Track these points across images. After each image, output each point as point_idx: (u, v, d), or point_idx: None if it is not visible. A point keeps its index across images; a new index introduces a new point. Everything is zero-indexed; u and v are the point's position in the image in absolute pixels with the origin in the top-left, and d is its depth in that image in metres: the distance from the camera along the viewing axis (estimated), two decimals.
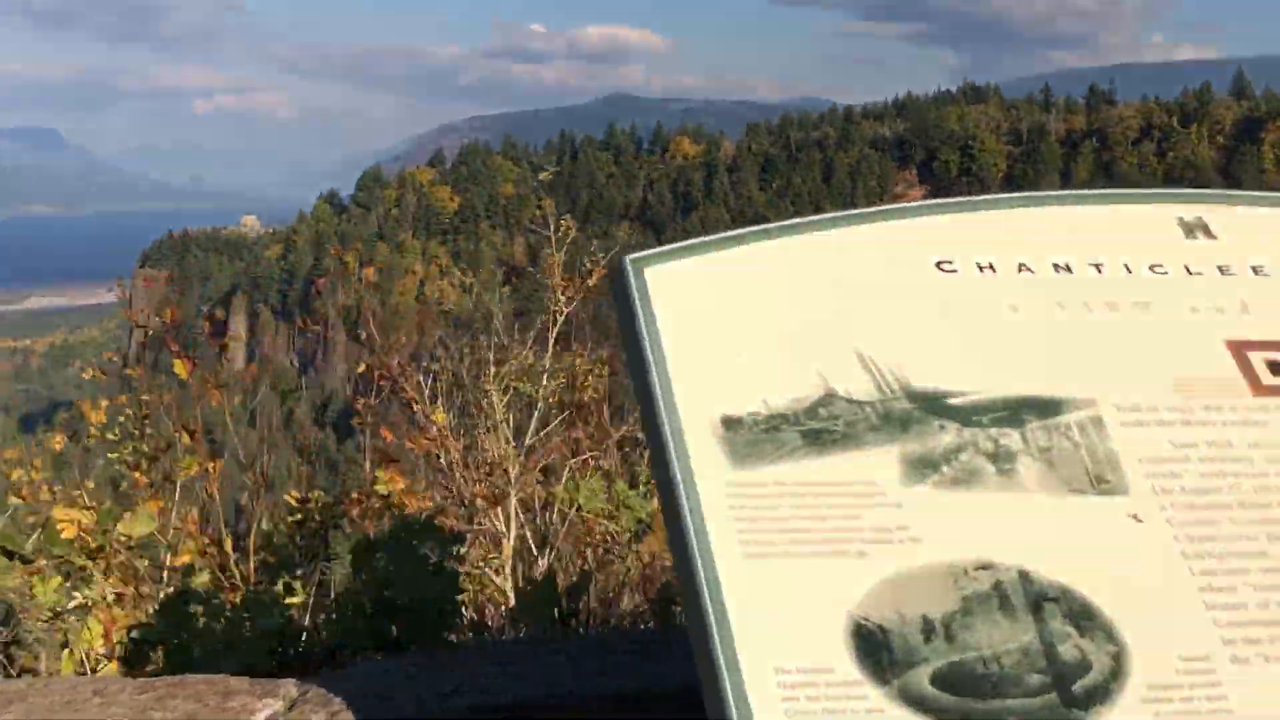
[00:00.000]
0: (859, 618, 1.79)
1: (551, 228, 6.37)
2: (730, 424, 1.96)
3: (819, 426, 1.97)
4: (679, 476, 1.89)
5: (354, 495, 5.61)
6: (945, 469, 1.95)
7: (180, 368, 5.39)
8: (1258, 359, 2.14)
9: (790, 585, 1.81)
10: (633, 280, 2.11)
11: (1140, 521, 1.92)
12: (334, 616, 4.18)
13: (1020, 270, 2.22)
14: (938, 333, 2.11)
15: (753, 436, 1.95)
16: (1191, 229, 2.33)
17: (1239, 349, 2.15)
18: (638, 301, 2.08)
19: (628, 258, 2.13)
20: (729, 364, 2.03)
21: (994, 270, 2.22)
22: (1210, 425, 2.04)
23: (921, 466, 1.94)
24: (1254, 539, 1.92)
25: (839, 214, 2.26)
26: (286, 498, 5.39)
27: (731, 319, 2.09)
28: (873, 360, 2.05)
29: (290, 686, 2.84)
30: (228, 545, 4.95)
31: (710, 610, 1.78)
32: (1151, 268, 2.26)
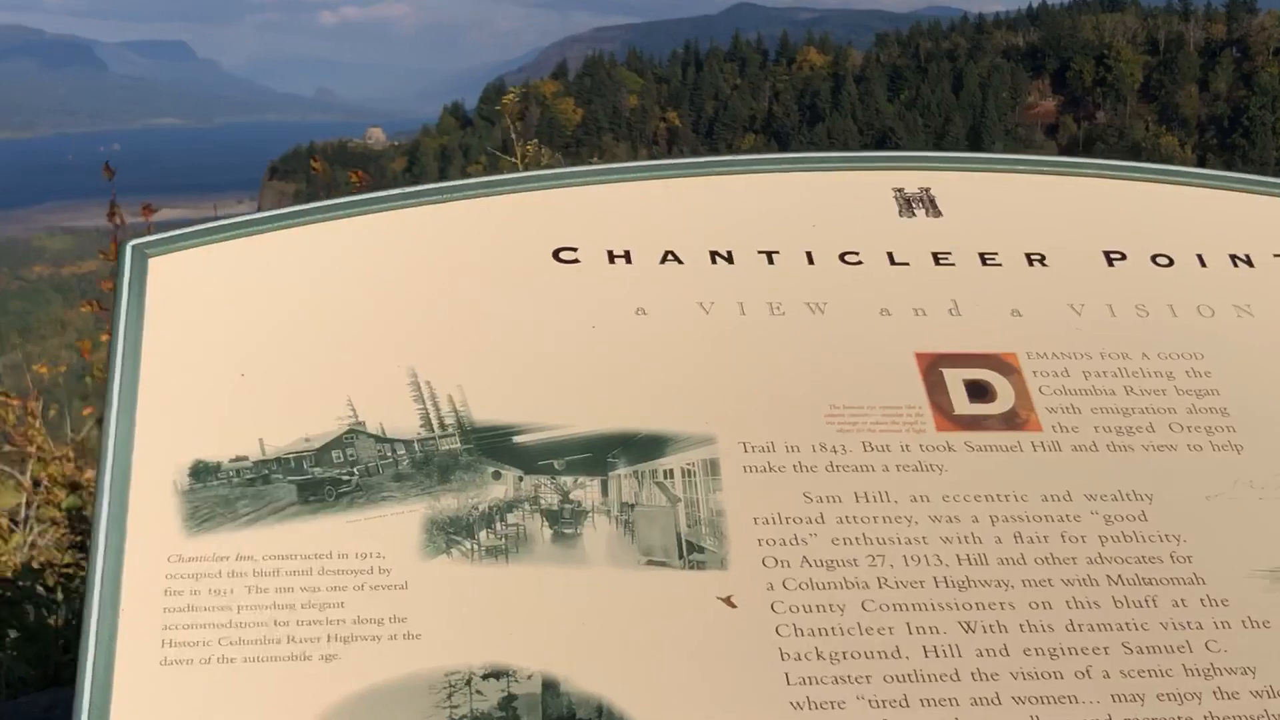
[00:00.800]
0: None
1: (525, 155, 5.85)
2: (201, 473, 1.49)
3: (326, 475, 1.50)
4: (101, 545, 1.44)
5: None
6: (483, 534, 1.47)
7: None
8: (955, 379, 1.64)
9: (215, 705, 1.35)
10: (129, 273, 1.64)
11: (734, 607, 1.44)
12: None
13: (665, 260, 1.73)
14: (527, 346, 1.63)
15: (228, 491, 1.49)
16: (910, 204, 1.81)
17: (933, 366, 1.65)
18: (125, 302, 1.61)
19: (130, 243, 1.66)
20: (226, 390, 1.56)
21: (629, 260, 1.72)
22: (866, 472, 1.55)
23: (450, 531, 1.47)
24: (885, 633, 1.44)
25: (436, 185, 1.77)
26: None
27: (251, 327, 1.62)
28: (429, 384, 1.58)
29: None
30: None
31: None
32: (842, 256, 1.75)
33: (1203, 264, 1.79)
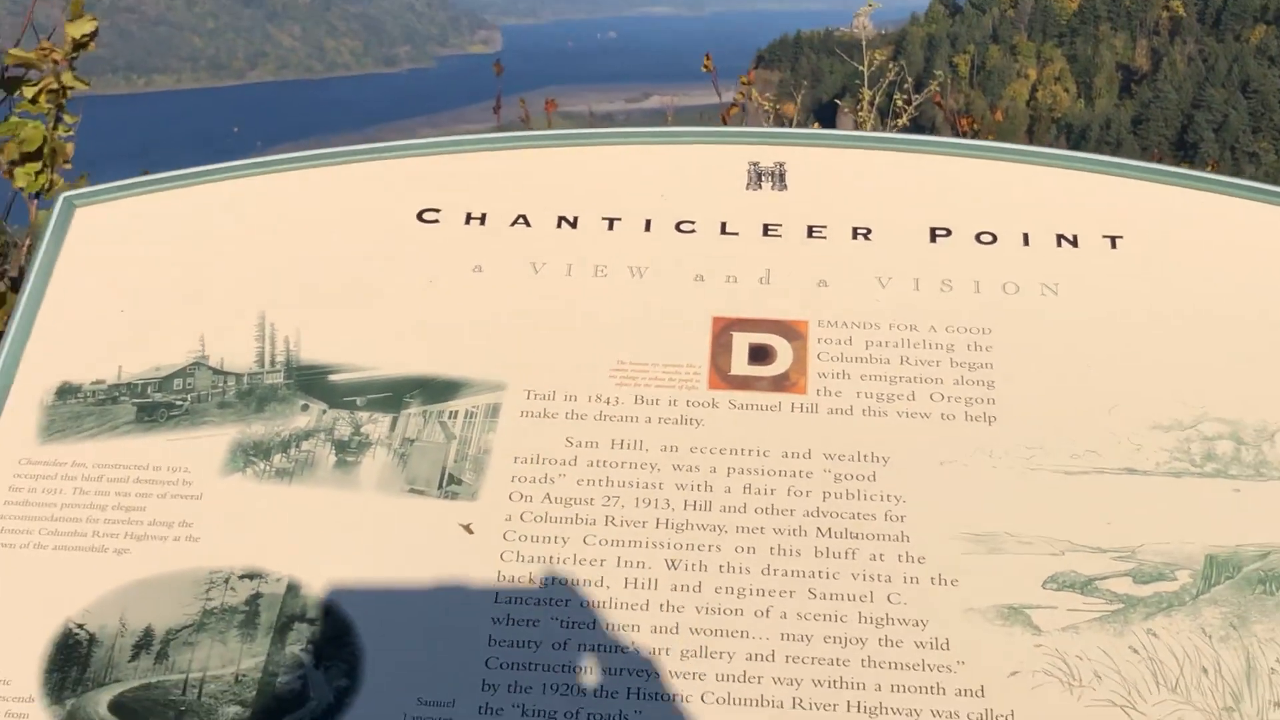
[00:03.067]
0: (74, 624, 1.63)
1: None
2: (64, 392, 1.80)
3: (164, 400, 1.79)
4: None
5: None
6: (277, 457, 1.74)
7: None
8: (741, 342, 1.81)
9: (23, 581, 1.67)
10: (54, 221, 1.96)
11: (471, 534, 1.67)
12: None
13: (515, 224, 1.94)
14: (367, 297, 1.87)
15: (81, 408, 1.79)
16: (760, 177, 1.97)
17: (726, 329, 1.82)
18: (44, 246, 1.93)
19: (65, 195, 1.98)
20: (108, 325, 1.87)
21: (483, 223, 1.95)
22: (628, 422, 1.75)
23: (250, 453, 1.74)
24: (595, 564, 1.64)
25: (343, 150, 2.03)
26: None
27: (144, 270, 1.92)
28: (273, 325, 1.85)
29: None
30: None
31: None
32: (678, 225, 1.93)
33: (1026, 242, 1.88)
